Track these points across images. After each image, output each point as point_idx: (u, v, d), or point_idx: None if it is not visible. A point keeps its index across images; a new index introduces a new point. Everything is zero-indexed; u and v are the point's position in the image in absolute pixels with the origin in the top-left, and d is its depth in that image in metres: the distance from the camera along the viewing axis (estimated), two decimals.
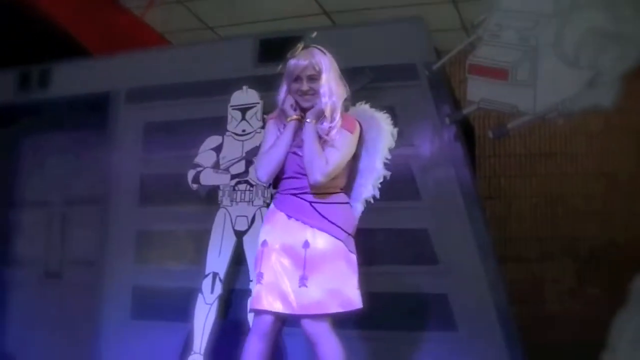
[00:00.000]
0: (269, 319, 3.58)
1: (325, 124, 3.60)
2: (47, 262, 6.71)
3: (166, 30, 8.39)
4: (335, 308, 3.50)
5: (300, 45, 3.68)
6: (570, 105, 4.92)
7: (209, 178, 5.65)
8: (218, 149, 5.67)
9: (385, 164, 3.79)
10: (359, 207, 3.85)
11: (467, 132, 6.04)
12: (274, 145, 3.66)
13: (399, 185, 5.21)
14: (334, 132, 3.58)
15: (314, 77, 3.59)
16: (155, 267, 5.89)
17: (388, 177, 3.81)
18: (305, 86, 3.59)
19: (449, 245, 5.13)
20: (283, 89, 3.72)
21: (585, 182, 7.61)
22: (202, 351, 5.41)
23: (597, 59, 4.88)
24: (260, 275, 3.59)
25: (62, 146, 6.82)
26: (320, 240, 3.54)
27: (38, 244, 6.78)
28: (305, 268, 3.51)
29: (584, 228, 7.42)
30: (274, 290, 3.54)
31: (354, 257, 3.61)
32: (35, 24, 7.05)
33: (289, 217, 3.63)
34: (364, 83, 5.34)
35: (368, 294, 5.15)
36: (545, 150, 7.84)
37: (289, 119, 3.66)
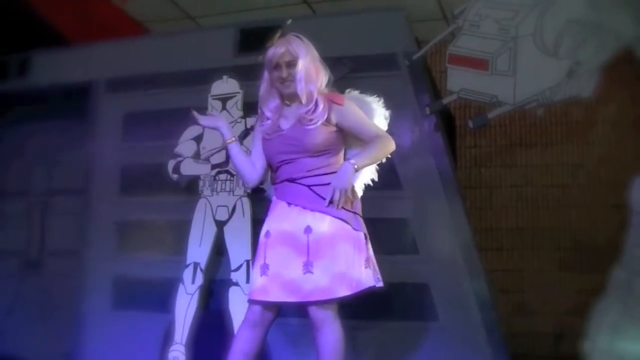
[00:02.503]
0: (265, 309, 3.61)
1: (303, 109, 3.64)
2: (27, 252, 6.69)
3: (146, 19, 8.35)
4: (343, 291, 3.48)
5: (277, 34, 3.73)
6: (550, 96, 4.94)
7: (189, 168, 5.63)
8: (198, 139, 5.65)
9: None
10: (359, 187, 3.87)
11: (447, 122, 6.07)
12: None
13: (379, 174, 5.23)
14: (313, 115, 3.61)
15: (292, 64, 3.64)
16: (136, 257, 5.87)
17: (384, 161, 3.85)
18: (284, 73, 3.63)
19: (429, 235, 5.14)
20: (263, 78, 3.77)
21: (565, 172, 7.64)
22: (184, 341, 5.41)
23: (576, 49, 4.89)
24: (265, 267, 3.59)
25: (41, 136, 6.79)
26: (323, 224, 3.54)
27: (18, 234, 6.75)
28: (309, 254, 3.51)
29: (564, 218, 7.45)
30: (279, 281, 3.55)
31: (360, 235, 3.59)
32: (14, 12, 7.00)
33: (289, 204, 3.64)
34: (344, 73, 5.33)
35: None
36: (525, 141, 7.86)
37: (225, 143, 3.92)
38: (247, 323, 3.67)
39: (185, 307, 5.44)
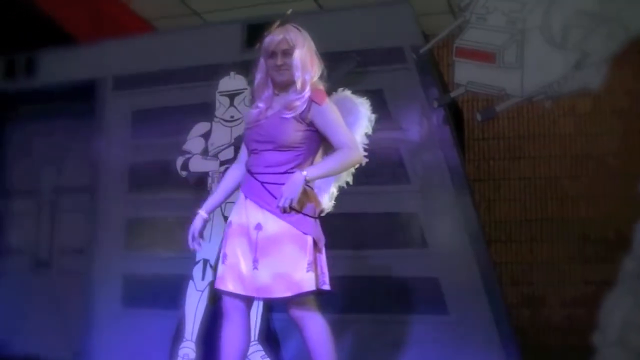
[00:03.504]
0: (233, 299, 3.63)
1: (293, 95, 3.62)
2: (37, 251, 6.71)
3: (152, 16, 8.35)
4: (282, 292, 3.48)
5: (276, 23, 3.72)
6: (558, 88, 4.93)
7: (197, 165, 5.63)
8: (206, 136, 5.65)
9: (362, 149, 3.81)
10: (332, 191, 3.89)
11: (455, 115, 6.06)
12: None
13: (387, 169, 5.23)
14: (298, 102, 3.59)
15: (288, 52, 3.62)
16: (146, 254, 5.88)
17: (364, 164, 3.82)
18: (279, 60, 3.62)
19: (438, 229, 5.14)
20: (259, 67, 3.76)
21: (573, 163, 7.63)
22: (194, 338, 5.41)
23: (584, 40, 4.87)
24: (224, 256, 3.64)
25: (50, 134, 6.81)
26: (271, 223, 3.52)
27: (28, 232, 6.78)
28: (256, 251, 3.52)
29: (573, 210, 7.44)
30: (234, 272, 3.58)
31: (307, 239, 3.54)
32: (21, 11, 7.01)
33: (246, 197, 3.65)
34: (352, 67, 5.34)
35: (359, 278, 5.20)
36: (533, 133, 7.84)
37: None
38: (225, 316, 3.70)
39: (196, 303, 5.45)
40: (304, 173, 3.48)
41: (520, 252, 7.64)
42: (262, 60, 3.73)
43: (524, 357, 4.92)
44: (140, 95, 6.12)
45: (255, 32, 5.65)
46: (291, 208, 3.45)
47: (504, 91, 5.04)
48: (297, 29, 3.72)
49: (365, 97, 3.95)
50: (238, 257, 3.58)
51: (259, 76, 3.76)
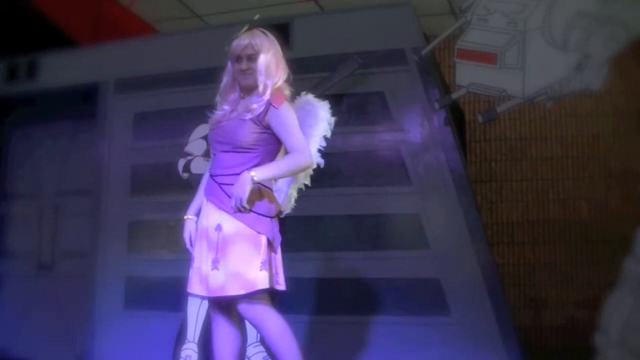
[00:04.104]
0: (211, 300, 3.73)
1: (254, 98, 3.69)
2: (39, 254, 6.71)
3: (154, 19, 8.36)
4: (236, 290, 3.51)
5: (245, 28, 3.80)
6: (560, 89, 4.94)
7: (200, 166, 5.64)
8: (208, 138, 5.65)
9: (319, 152, 3.90)
10: (291, 193, 4.00)
11: (456, 117, 6.06)
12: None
13: (389, 170, 5.24)
14: (256, 105, 3.66)
15: (253, 57, 3.70)
16: (148, 257, 5.88)
17: (322, 166, 3.86)
18: (244, 65, 3.70)
19: (440, 230, 5.14)
20: (226, 70, 3.84)
21: (575, 165, 7.63)
22: (196, 340, 5.41)
23: (585, 41, 4.88)
24: (192, 259, 3.74)
25: (51, 137, 6.81)
26: (228, 223, 3.58)
27: (30, 235, 6.77)
28: (217, 251, 3.57)
29: (575, 211, 7.44)
30: (198, 274, 3.66)
31: (260, 238, 3.59)
32: (22, 14, 7.02)
33: (207, 200, 3.73)
34: (353, 69, 5.35)
35: (360, 280, 5.21)
36: (535, 134, 7.84)
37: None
38: (211, 318, 3.82)
39: (198, 305, 5.44)
40: (252, 173, 3.53)
41: (522, 253, 7.63)
42: (229, 64, 3.81)
43: (525, 358, 4.92)
44: (142, 98, 6.12)
45: None
46: (243, 207, 3.51)
47: (505, 92, 5.04)
48: (265, 33, 3.79)
49: (325, 101, 4.01)
50: (201, 259, 3.66)
51: (225, 79, 3.86)
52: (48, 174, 6.83)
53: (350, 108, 5.45)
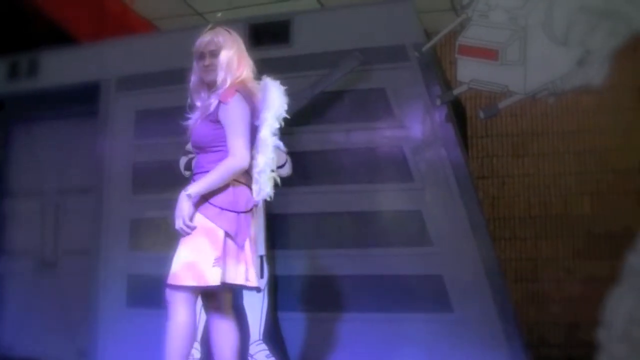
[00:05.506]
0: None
1: (214, 95, 3.74)
2: (41, 252, 6.72)
3: (155, 16, 8.36)
4: (188, 281, 3.55)
5: (209, 26, 3.86)
6: (561, 84, 4.93)
7: None
8: None
9: (274, 133, 3.77)
10: (264, 179, 3.76)
11: (458, 113, 6.06)
12: None
13: (391, 167, 5.24)
14: (213, 101, 3.70)
15: (215, 53, 3.74)
16: (150, 254, 5.88)
17: (282, 148, 3.85)
18: (207, 61, 3.75)
19: (442, 226, 5.14)
20: (193, 68, 3.87)
21: (577, 160, 7.62)
22: (198, 338, 5.41)
23: (587, 37, 4.87)
24: None
25: (53, 135, 6.81)
26: (196, 216, 3.61)
27: (32, 233, 6.77)
28: (180, 240, 3.64)
29: (577, 206, 7.44)
30: None
31: (219, 233, 3.60)
32: (24, 12, 7.02)
33: None
34: (354, 66, 5.34)
35: (363, 277, 5.21)
36: (537, 130, 7.84)
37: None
38: (206, 314, 3.96)
39: (199, 304, 5.44)
40: (188, 192, 3.60)
41: (525, 248, 7.64)
42: (194, 63, 3.85)
43: (529, 353, 4.92)
44: (144, 96, 6.11)
45: (258, 31, 5.69)
46: (187, 226, 3.57)
47: (506, 88, 5.04)
48: (228, 31, 3.83)
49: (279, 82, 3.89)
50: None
51: (193, 78, 3.89)
52: (50, 171, 6.83)
53: (351, 105, 5.45)
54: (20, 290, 6.63)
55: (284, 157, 5.24)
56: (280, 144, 3.85)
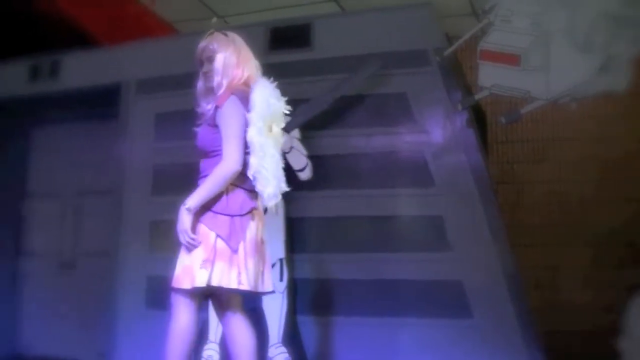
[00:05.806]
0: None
1: (212, 100, 3.75)
2: (61, 253, 6.75)
3: (175, 19, 8.38)
4: (186, 284, 3.61)
5: (208, 32, 3.85)
6: (583, 90, 4.91)
7: None
8: None
9: (260, 133, 3.68)
10: (261, 180, 3.70)
11: (478, 118, 6.04)
12: None
13: (411, 171, 5.23)
14: (210, 105, 3.72)
15: (211, 59, 3.76)
16: (169, 256, 5.87)
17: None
18: (205, 68, 3.79)
19: (462, 232, 5.13)
20: (199, 75, 3.89)
21: (597, 167, 7.58)
22: (218, 340, 5.42)
23: (609, 43, 4.85)
24: None
25: (73, 137, 6.84)
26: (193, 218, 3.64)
27: (52, 235, 6.81)
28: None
29: (597, 213, 7.39)
30: None
31: (210, 236, 3.61)
32: (45, 15, 7.05)
33: None
34: (374, 70, 5.34)
35: (383, 281, 5.20)
36: (557, 136, 7.80)
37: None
38: (218, 317, 4.03)
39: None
40: (187, 205, 3.61)
41: (544, 256, 7.59)
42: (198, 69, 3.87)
43: None
44: (164, 98, 6.13)
45: (278, 35, 5.70)
46: (191, 239, 3.59)
47: (528, 94, 5.01)
48: (224, 34, 3.83)
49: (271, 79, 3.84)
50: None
51: (198, 84, 3.89)
52: (70, 174, 6.86)
53: (372, 109, 5.44)
54: (40, 291, 6.66)
55: (304, 161, 5.24)
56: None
